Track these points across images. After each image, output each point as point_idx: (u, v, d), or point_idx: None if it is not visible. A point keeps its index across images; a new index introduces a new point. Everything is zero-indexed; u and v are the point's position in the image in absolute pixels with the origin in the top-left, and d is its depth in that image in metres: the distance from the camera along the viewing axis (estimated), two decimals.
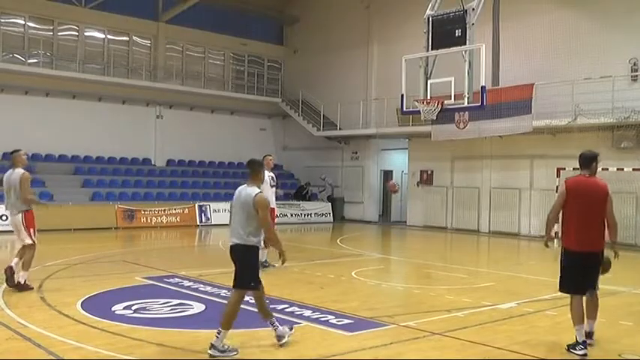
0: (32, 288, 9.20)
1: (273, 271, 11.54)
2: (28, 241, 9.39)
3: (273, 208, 11.72)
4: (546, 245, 7.26)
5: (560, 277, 6.69)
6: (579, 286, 6.57)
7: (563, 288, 6.70)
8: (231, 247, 6.44)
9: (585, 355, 6.35)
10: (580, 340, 6.42)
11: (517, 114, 19.12)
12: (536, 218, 20.23)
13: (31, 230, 9.39)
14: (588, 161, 6.68)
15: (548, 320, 7.97)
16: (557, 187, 17.55)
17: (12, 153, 9.65)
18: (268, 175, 11.40)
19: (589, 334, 6.67)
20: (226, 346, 6.17)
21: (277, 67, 30.69)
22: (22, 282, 9.17)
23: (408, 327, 7.37)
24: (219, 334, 6.15)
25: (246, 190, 6.43)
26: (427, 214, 24.16)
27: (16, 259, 9.38)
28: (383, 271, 13.20)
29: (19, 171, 9.33)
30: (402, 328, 7.32)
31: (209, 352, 6.09)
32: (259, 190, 6.42)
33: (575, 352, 6.40)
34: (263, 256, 11.96)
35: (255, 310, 6.61)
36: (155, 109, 26.36)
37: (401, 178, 27.24)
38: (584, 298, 6.60)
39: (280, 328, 6.55)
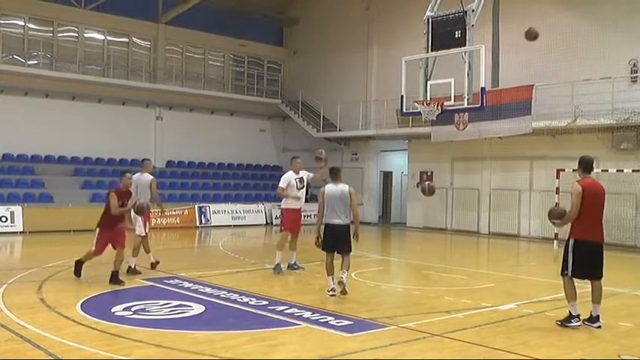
0: (140, 272, 11.03)
1: (274, 272, 11.53)
2: (142, 232, 11.31)
3: (299, 209, 11.89)
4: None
5: (572, 264, 7.54)
6: (588, 271, 7.56)
7: (575, 274, 7.56)
8: (335, 225, 9.16)
9: (580, 326, 7.45)
10: (575, 314, 7.50)
11: (517, 115, 19.12)
12: (536, 219, 20.22)
13: (147, 224, 11.44)
14: (591, 165, 7.73)
15: (548, 321, 7.96)
16: (557, 188, 17.59)
17: (143, 161, 12.54)
18: (295, 177, 11.71)
19: (597, 317, 7.54)
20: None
21: (277, 69, 30.70)
22: (133, 266, 11.03)
23: (408, 328, 7.37)
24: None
25: (339, 187, 9.27)
26: (427, 215, 24.15)
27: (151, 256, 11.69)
28: (382, 272, 13.19)
29: (148, 176, 11.64)
30: (401, 330, 7.31)
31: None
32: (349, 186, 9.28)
33: (571, 324, 7.47)
34: (292, 258, 11.96)
35: (255, 310, 6.56)
36: (155, 110, 26.37)
37: (401, 179, 27.26)
38: (591, 284, 7.58)
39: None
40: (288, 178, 11.80)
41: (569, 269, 7.58)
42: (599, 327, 7.49)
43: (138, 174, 11.61)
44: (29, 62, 23.46)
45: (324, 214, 9.30)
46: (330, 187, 9.32)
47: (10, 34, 23.29)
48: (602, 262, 7.63)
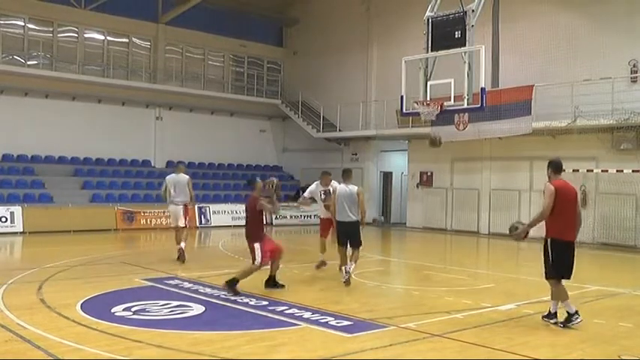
0: (185, 258, 12.85)
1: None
2: (183, 224, 13.26)
3: (327, 218, 11.70)
4: (518, 237, 7.94)
5: (552, 265, 7.63)
6: (569, 270, 7.67)
7: (558, 274, 7.65)
8: (346, 222, 10.28)
9: (581, 320, 7.53)
10: (572, 312, 7.57)
11: (517, 115, 19.12)
12: None
13: (187, 217, 13.36)
14: (561, 167, 7.93)
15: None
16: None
17: (178, 163, 15.02)
18: (321, 189, 11.71)
19: (555, 314, 7.73)
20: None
21: (277, 69, 30.70)
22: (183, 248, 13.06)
23: (408, 328, 7.37)
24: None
25: (349, 187, 10.36)
26: (427, 215, 24.15)
27: (183, 243, 13.13)
28: (382, 272, 13.20)
29: (185, 176, 13.32)
30: (401, 330, 7.31)
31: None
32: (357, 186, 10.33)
33: (573, 323, 7.52)
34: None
35: (255, 310, 6.55)
36: (155, 110, 26.37)
37: (400, 179, 27.25)
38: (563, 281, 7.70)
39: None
40: (313, 189, 11.92)
41: (552, 271, 7.67)
42: (556, 323, 7.64)
43: (174, 175, 13.44)
44: (29, 62, 23.46)
45: (336, 210, 10.44)
46: (340, 188, 10.45)
47: (10, 34, 23.30)
48: (574, 262, 7.75)
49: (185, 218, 13.33)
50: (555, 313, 7.76)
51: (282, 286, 9.74)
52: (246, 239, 9.55)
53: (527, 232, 7.89)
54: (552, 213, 7.61)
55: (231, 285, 9.10)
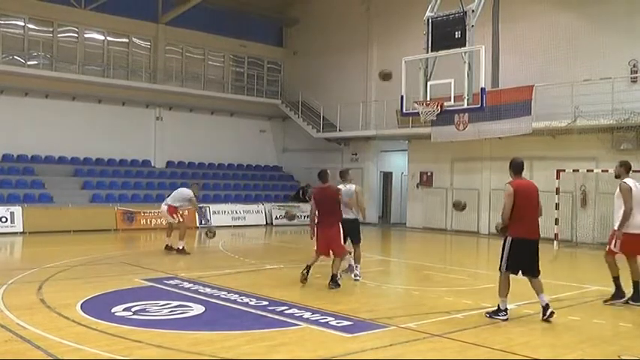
0: (189, 254, 14.24)
1: (274, 272, 11.52)
2: (169, 221, 15.00)
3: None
4: (503, 231, 8.11)
5: (507, 260, 7.94)
6: (524, 267, 7.94)
7: (509, 268, 7.96)
8: (346, 220, 10.44)
9: (507, 319, 7.82)
10: (503, 308, 7.92)
11: (517, 115, 19.12)
12: None
13: (174, 215, 14.78)
14: (521, 167, 8.12)
15: (548, 322, 7.96)
16: (557, 188, 17.60)
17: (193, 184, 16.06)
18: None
19: (547, 306, 7.85)
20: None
21: (277, 69, 30.71)
22: (181, 247, 14.26)
23: (408, 328, 7.37)
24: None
25: (347, 187, 10.96)
26: (427, 215, 24.15)
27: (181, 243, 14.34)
28: (382, 272, 13.20)
29: (187, 191, 14.97)
30: (401, 330, 7.31)
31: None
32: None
33: (498, 317, 7.84)
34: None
35: (255, 311, 6.56)
36: (155, 110, 26.38)
37: (400, 179, 27.25)
38: (531, 279, 7.93)
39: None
40: (346, 190, 11.31)
41: (504, 264, 7.98)
42: (553, 314, 7.78)
43: (183, 190, 15.20)
44: (29, 63, 23.47)
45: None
46: (343, 188, 10.86)
47: (10, 34, 23.30)
48: (538, 259, 7.97)
49: (172, 216, 14.82)
50: (547, 304, 7.86)
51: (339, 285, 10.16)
52: (326, 229, 10.12)
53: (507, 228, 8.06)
54: (513, 213, 7.83)
55: (335, 281, 10.04)
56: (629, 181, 9.07)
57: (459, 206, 8.19)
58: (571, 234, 18.89)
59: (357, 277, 10.83)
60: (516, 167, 8.10)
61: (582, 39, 19.07)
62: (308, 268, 10.18)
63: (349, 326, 7.39)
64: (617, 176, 9.35)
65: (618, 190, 9.14)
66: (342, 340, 6.84)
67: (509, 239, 7.95)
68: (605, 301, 9.15)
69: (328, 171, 10.70)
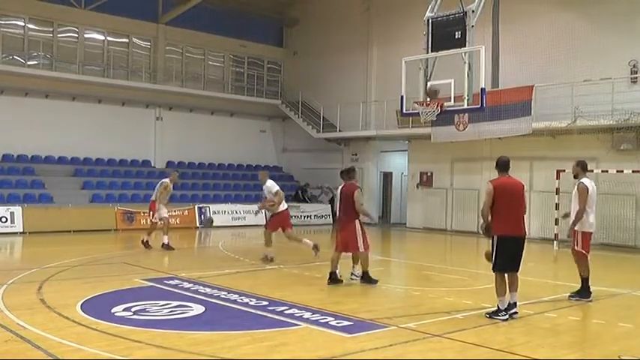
0: (174, 249, 14.96)
1: (274, 272, 11.52)
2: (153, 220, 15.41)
3: None
4: (487, 231, 8.11)
5: (496, 258, 7.94)
6: (511, 264, 7.99)
7: (499, 268, 7.96)
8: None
9: (507, 319, 7.76)
10: (502, 308, 7.85)
11: (517, 116, 19.12)
12: (535, 220, 20.17)
13: (153, 213, 15.21)
14: (506, 165, 8.18)
15: (548, 322, 7.98)
16: (557, 188, 17.60)
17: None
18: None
19: (514, 304, 7.95)
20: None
21: (277, 69, 30.70)
22: (166, 242, 14.84)
23: (408, 329, 7.37)
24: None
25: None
26: (427, 215, 24.15)
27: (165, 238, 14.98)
28: (382, 272, 13.14)
29: (160, 182, 15.39)
30: (401, 330, 7.31)
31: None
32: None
33: (498, 317, 7.79)
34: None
35: (255, 311, 6.55)
36: (155, 110, 26.37)
37: (400, 179, 27.25)
38: (507, 275, 7.96)
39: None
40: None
41: (494, 264, 8.02)
42: (515, 313, 7.91)
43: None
44: (29, 63, 23.45)
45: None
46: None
47: (10, 34, 23.29)
48: (522, 255, 8.09)
49: (151, 212, 15.33)
50: (515, 303, 7.98)
51: (376, 281, 10.41)
52: (343, 226, 10.44)
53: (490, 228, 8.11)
54: (494, 211, 7.93)
55: (367, 278, 10.33)
56: (586, 181, 9.32)
57: (489, 257, 8.21)
58: None
59: (355, 277, 10.85)
60: (501, 165, 8.19)
61: (582, 39, 19.06)
62: (335, 267, 10.40)
63: (349, 326, 7.39)
64: (575, 176, 9.50)
65: (575, 189, 9.40)
66: (342, 340, 6.84)
67: (495, 238, 8.01)
68: (571, 296, 9.40)
69: (355, 168, 11.27)
